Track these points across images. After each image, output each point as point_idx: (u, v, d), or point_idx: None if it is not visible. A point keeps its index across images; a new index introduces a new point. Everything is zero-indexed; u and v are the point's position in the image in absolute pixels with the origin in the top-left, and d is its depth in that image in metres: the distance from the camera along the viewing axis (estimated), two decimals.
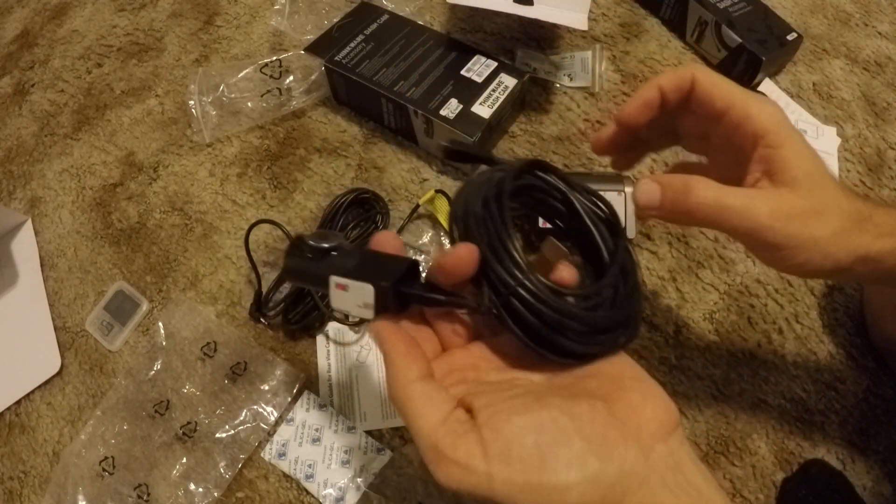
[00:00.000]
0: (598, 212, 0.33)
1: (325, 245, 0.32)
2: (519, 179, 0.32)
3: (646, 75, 0.65)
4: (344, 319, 0.52)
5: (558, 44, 0.68)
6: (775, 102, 0.33)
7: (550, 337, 0.28)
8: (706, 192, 0.31)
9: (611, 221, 0.33)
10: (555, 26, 0.68)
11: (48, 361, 0.54)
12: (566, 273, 0.31)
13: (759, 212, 0.30)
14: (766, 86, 0.63)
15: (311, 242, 0.32)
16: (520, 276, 0.28)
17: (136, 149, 0.66)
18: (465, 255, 0.28)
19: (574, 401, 0.26)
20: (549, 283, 0.28)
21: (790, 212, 0.30)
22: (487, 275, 0.29)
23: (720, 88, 0.33)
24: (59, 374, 0.54)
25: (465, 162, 0.34)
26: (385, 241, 0.31)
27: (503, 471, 0.24)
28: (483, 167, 0.34)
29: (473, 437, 0.24)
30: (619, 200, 0.50)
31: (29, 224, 0.63)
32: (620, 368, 0.28)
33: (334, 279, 0.30)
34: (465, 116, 0.55)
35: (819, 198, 0.31)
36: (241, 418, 0.49)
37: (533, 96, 0.64)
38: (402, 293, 0.30)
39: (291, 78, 0.66)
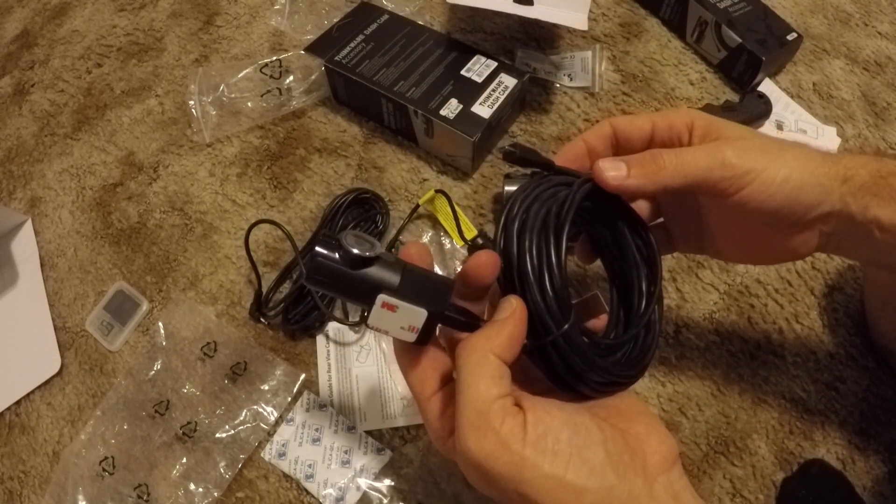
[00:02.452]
0: (644, 252, 0.33)
1: (368, 254, 0.27)
2: (583, 201, 0.31)
3: (646, 75, 0.65)
4: (344, 319, 0.52)
5: (558, 44, 0.68)
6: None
7: (572, 382, 0.29)
8: (678, 156, 0.32)
9: (652, 262, 0.33)
10: (555, 26, 0.68)
11: (48, 361, 0.54)
12: (599, 324, 0.32)
13: (725, 147, 0.31)
14: (766, 86, 0.63)
15: (352, 249, 0.27)
16: (564, 325, 0.28)
17: (136, 149, 0.66)
18: (486, 261, 0.28)
19: (600, 418, 0.27)
20: (585, 339, 0.29)
21: (747, 146, 0.31)
22: (528, 308, 0.29)
23: (637, 117, 0.35)
24: (59, 374, 0.54)
25: (525, 167, 0.33)
26: (418, 255, 0.30)
27: (535, 457, 0.25)
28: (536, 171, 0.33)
29: (520, 420, 0.26)
30: None
31: (29, 224, 0.63)
32: (627, 403, 0.30)
33: (383, 298, 0.27)
34: (465, 116, 0.55)
35: (771, 137, 0.32)
36: (241, 418, 0.49)
37: (533, 96, 0.64)
38: (445, 318, 0.29)
39: (291, 78, 0.66)
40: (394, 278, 0.27)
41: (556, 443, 0.25)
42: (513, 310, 0.28)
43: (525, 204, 0.30)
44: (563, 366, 0.29)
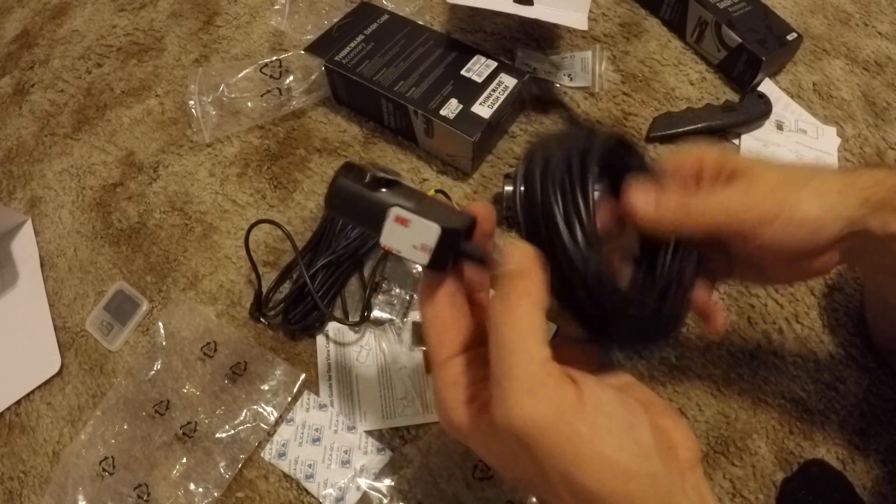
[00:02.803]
0: None
1: (386, 176, 0.28)
2: (609, 151, 0.30)
3: (646, 75, 0.65)
4: (344, 319, 0.52)
5: (558, 44, 0.68)
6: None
7: (601, 324, 0.28)
8: (696, 203, 0.31)
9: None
10: (555, 26, 0.68)
11: (48, 361, 0.54)
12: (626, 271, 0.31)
13: (739, 195, 0.31)
14: (766, 86, 0.63)
15: (371, 171, 0.28)
16: (594, 263, 0.27)
17: (136, 149, 0.66)
18: (479, 210, 0.28)
19: (639, 402, 0.26)
20: (614, 282, 0.28)
21: (762, 187, 0.31)
22: (553, 247, 0.27)
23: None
24: (59, 374, 0.54)
25: (546, 111, 0.32)
26: (486, 211, 0.29)
27: (589, 433, 0.23)
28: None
29: (575, 390, 0.24)
30: None
31: (29, 224, 0.63)
32: (648, 397, 0.29)
33: (396, 211, 0.27)
34: (465, 116, 0.55)
35: (783, 169, 0.32)
36: (241, 418, 0.49)
37: (533, 96, 0.64)
38: (462, 249, 0.28)
39: (291, 78, 0.66)
40: (410, 200, 0.27)
41: (610, 420, 0.23)
42: (532, 256, 0.26)
43: (547, 150, 0.29)
44: (594, 305, 0.27)
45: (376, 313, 0.52)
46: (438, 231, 0.26)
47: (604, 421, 0.23)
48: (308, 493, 0.46)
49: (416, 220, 0.26)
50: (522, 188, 0.29)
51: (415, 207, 0.27)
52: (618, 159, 0.31)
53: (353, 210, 0.28)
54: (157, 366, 0.53)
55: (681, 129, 0.60)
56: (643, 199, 0.31)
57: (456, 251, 0.28)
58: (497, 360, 0.24)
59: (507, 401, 0.23)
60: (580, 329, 0.30)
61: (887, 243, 0.31)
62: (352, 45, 0.61)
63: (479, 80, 0.58)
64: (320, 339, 0.52)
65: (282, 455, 0.48)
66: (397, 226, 0.27)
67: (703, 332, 0.35)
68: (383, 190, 0.28)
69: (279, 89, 0.65)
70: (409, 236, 0.27)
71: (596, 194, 0.28)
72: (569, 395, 0.23)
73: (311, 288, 0.50)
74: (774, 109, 0.61)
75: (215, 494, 0.47)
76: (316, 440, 0.48)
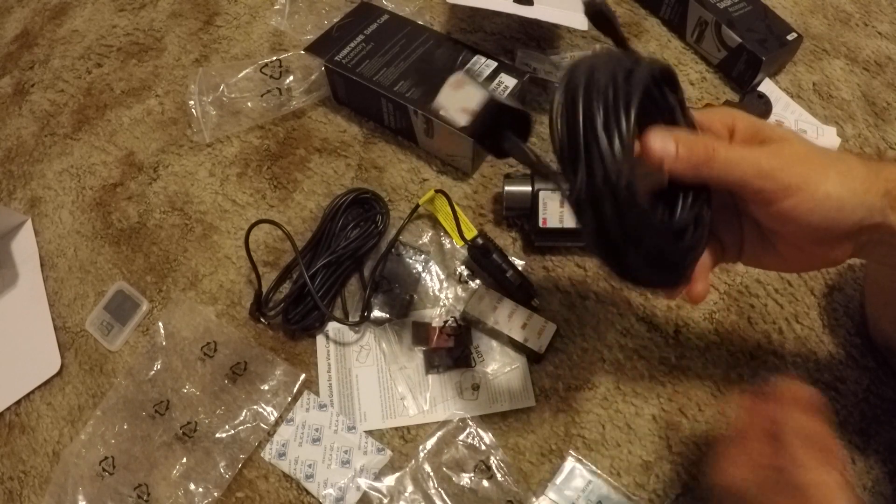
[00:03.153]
0: None
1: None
2: (654, 79, 0.30)
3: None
4: (344, 319, 0.52)
5: (558, 44, 0.68)
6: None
7: (620, 244, 0.29)
8: (728, 152, 0.31)
9: None
10: (555, 26, 0.68)
11: (48, 361, 0.54)
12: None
13: (769, 156, 0.31)
14: (766, 86, 0.63)
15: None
16: (626, 177, 0.27)
17: (136, 149, 0.66)
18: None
19: None
20: (641, 199, 0.28)
21: (792, 155, 0.31)
22: (589, 155, 0.27)
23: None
24: (59, 374, 0.54)
25: (605, 31, 0.32)
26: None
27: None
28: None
29: None
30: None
31: (29, 224, 0.63)
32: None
33: (457, 75, 0.30)
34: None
35: (814, 146, 0.32)
36: (241, 418, 0.49)
37: (533, 96, 0.64)
38: (504, 134, 0.29)
39: (291, 78, 0.66)
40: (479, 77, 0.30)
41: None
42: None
43: (593, 64, 0.29)
44: (617, 222, 0.27)
45: (376, 313, 0.52)
46: (484, 96, 0.28)
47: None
48: (308, 493, 0.46)
49: (470, 85, 0.30)
50: (562, 96, 0.28)
51: (476, 79, 0.29)
52: (660, 91, 0.31)
53: (430, 75, 0.32)
54: (157, 366, 0.53)
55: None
56: (661, 141, 0.30)
57: (497, 135, 0.29)
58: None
59: None
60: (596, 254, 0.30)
61: None
62: (352, 45, 0.61)
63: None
64: (320, 339, 0.52)
65: (282, 455, 0.48)
66: (451, 89, 0.29)
67: (683, 297, 0.35)
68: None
69: (279, 89, 0.65)
70: (459, 99, 0.29)
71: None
72: None
73: (311, 288, 0.50)
74: (774, 109, 0.61)
75: (215, 494, 0.47)
76: (316, 440, 0.48)
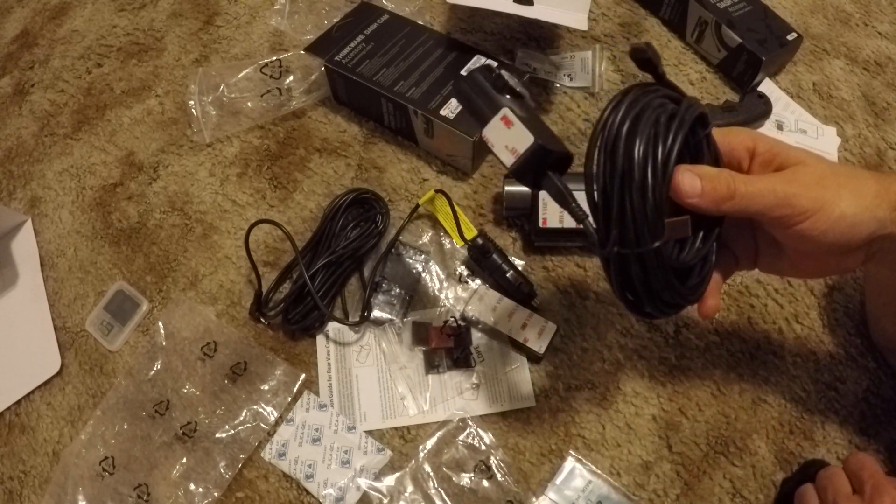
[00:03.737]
0: None
1: (513, 84, 0.33)
2: (701, 126, 0.31)
3: (646, 75, 0.65)
4: (344, 319, 0.52)
5: (558, 44, 0.68)
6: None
7: (645, 298, 0.30)
8: (746, 187, 0.32)
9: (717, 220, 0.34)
10: (555, 26, 0.68)
11: (48, 361, 0.54)
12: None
13: (785, 184, 0.33)
14: (766, 86, 0.63)
15: (505, 74, 0.33)
16: (658, 240, 0.28)
17: (136, 149, 0.66)
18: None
19: None
20: (673, 264, 0.29)
21: (808, 180, 0.33)
22: (622, 209, 0.28)
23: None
24: (59, 374, 0.54)
25: (645, 69, 0.34)
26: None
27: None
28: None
29: None
30: None
31: (29, 224, 0.63)
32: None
33: (507, 112, 0.31)
34: (465, 116, 0.55)
35: (829, 166, 0.34)
36: (241, 418, 0.49)
37: (533, 96, 0.64)
38: (545, 174, 0.31)
39: (291, 78, 0.66)
40: (524, 111, 0.32)
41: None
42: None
43: (635, 108, 0.30)
44: (643, 280, 0.29)
45: (376, 313, 0.52)
46: (531, 141, 0.30)
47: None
48: (308, 493, 0.46)
49: (519, 126, 0.30)
50: (603, 139, 0.30)
51: (524, 117, 0.31)
52: (692, 132, 0.32)
53: (476, 96, 0.34)
54: (157, 366, 0.53)
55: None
56: (689, 180, 0.32)
57: (540, 174, 0.31)
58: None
59: None
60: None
61: None
62: (352, 45, 0.61)
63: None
64: (320, 339, 0.52)
65: (282, 455, 0.48)
66: (501, 124, 0.31)
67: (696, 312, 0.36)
68: (507, 96, 0.33)
69: (279, 89, 0.65)
70: (506, 137, 0.31)
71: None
72: None
73: (311, 288, 0.50)
74: (774, 109, 0.61)
75: (215, 494, 0.47)
76: (316, 440, 0.48)
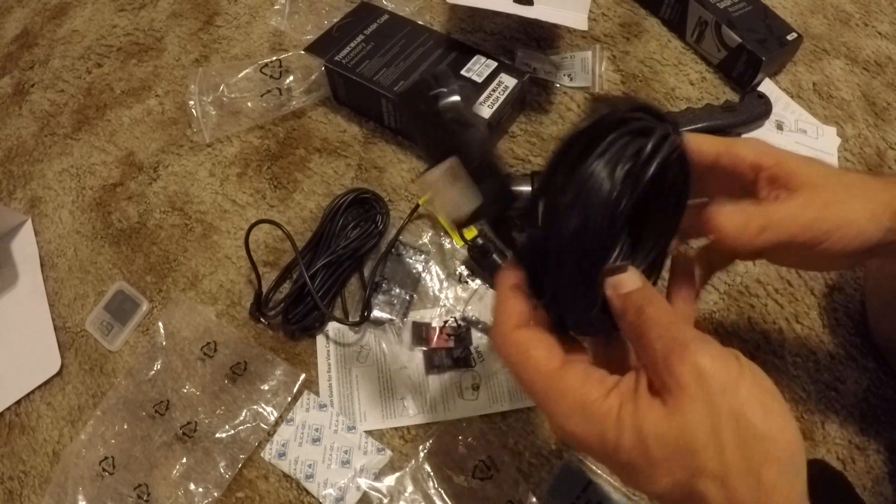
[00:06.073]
0: (669, 235, 0.32)
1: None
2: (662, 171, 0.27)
3: (646, 75, 0.65)
4: (344, 319, 0.52)
5: (558, 44, 0.68)
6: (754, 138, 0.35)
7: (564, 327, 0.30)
8: (765, 221, 0.32)
9: (667, 244, 0.33)
10: (555, 26, 0.68)
11: (48, 361, 0.54)
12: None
13: (802, 214, 0.32)
14: (766, 86, 0.63)
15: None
16: (591, 310, 0.28)
17: (136, 149, 0.66)
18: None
19: None
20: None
21: (824, 202, 0.33)
22: (559, 278, 0.28)
23: (705, 142, 0.35)
24: (59, 374, 0.54)
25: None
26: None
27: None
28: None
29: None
30: None
31: (29, 224, 0.63)
32: None
33: (453, 161, 0.30)
34: None
35: (836, 181, 0.34)
36: (241, 418, 0.49)
37: (533, 96, 0.64)
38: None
39: (291, 78, 0.66)
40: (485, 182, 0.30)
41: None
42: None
43: (590, 142, 0.26)
44: (576, 329, 0.30)
45: (376, 313, 0.52)
46: (477, 205, 0.29)
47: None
48: (308, 493, 0.46)
49: (465, 183, 0.29)
50: (545, 210, 0.27)
51: (476, 171, 0.30)
52: (669, 174, 0.29)
53: (424, 130, 0.33)
54: (157, 366, 0.53)
55: (681, 130, 0.60)
56: (731, 223, 0.32)
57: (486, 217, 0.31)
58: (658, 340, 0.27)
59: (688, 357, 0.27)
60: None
61: None
62: (352, 45, 0.61)
63: (479, 80, 0.58)
64: (320, 339, 0.52)
65: (282, 455, 0.48)
66: (446, 179, 0.30)
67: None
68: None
69: (279, 89, 0.65)
70: (451, 197, 0.30)
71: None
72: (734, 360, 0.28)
73: (311, 288, 0.50)
74: (774, 109, 0.61)
75: (215, 494, 0.47)
76: (316, 440, 0.48)
